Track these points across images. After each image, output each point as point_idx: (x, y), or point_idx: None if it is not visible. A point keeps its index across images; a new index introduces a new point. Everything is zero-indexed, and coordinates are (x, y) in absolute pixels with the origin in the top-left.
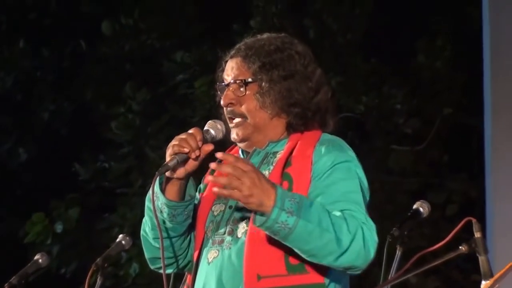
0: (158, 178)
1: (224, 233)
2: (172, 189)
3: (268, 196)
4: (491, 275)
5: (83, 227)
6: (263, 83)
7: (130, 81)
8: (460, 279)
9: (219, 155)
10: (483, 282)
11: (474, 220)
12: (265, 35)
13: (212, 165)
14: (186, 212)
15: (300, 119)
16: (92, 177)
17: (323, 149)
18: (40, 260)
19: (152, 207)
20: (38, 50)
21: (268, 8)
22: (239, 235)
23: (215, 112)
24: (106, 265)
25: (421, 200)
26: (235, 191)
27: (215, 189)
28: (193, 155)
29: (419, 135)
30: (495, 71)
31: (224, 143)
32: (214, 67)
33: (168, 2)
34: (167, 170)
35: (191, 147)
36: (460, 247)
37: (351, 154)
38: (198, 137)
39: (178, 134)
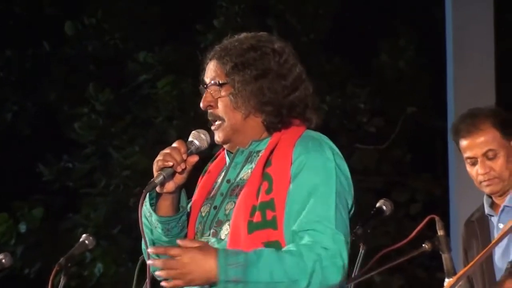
0: (148, 195)
1: (209, 235)
2: (164, 204)
3: (210, 271)
4: (454, 273)
5: (47, 227)
6: (236, 84)
7: (93, 81)
8: (424, 277)
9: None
10: (447, 280)
11: (437, 218)
12: (243, 35)
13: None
14: (180, 224)
15: (275, 117)
16: (56, 178)
17: (300, 149)
18: (3, 260)
19: (140, 225)
20: (1, 50)
21: (231, 8)
22: (223, 236)
23: (178, 113)
24: (69, 264)
25: (383, 199)
26: (178, 280)
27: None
28: (178, 169)
29: (383, 134)
30: (458, 72)
31: (213, 146)
32: (177, 67)
33: (131, 3)
34: (154, 187)
35: (175, 161)
36: (423, 245)
37: (328, 153)
38: (182, 150)
39: (141, 134)
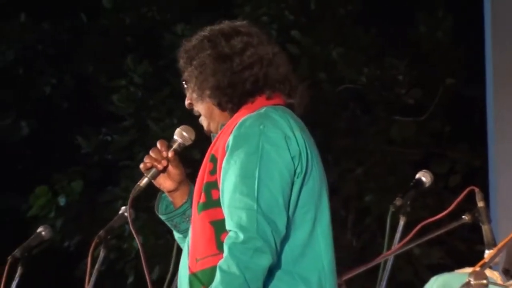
0: (159, 197)
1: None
2: (174, 202)
3: None
4: (495, 244)
5: (86, 200)
6: (189, 78)
7: (131, 54)
8: (464, 249)
9: None
10: (487, 252)
11: (477, 190)
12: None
13: None
14: (186, 218)
15: (223, 99)
16: (94, 150)
17: (236, 127)
18: (43, 233)
19: (131, 226)
20: (39, 23)
21: None
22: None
23: None
24: (108, 237)
25: (423, 170)
26: None
27: None
28: (160, 167)
29: (421, 106)
30: (496, 41)
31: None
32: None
33: None
34: (140, 191)
35: (155, 160)
36: (463, 217)
37: (256, 128)
38: (163, 148)
39: (179, 106)
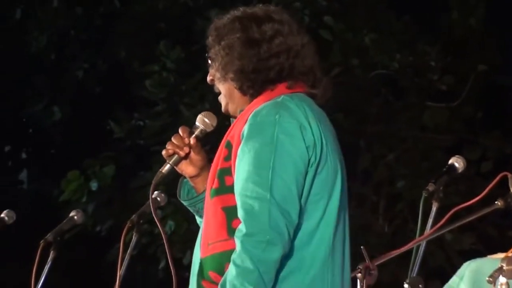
0: (180, 182)
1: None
2: (196, 188)
3: None
4: None
5: (118, 185)
6: (216, 56)
7: (163, 39)
8: (496, 235)
9: None
10: None
11: (509, 175)
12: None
13: None
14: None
15: (246, 83)
16: (126, 135)
17: (252, 115)
18: (75, 217)
19: (153, 213)
20: (72, 9)
21: None
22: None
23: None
24: (141, 221)
25: (456, 156)
26: None
27: None
28: (182, 153)
29: (454, 92)
30: None
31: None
32: None
33: None
34: (162, 178)
35: (177, 147)
36: (496, 202)
37: (271, 117)
38: (185, 135)
39: (211, 92)
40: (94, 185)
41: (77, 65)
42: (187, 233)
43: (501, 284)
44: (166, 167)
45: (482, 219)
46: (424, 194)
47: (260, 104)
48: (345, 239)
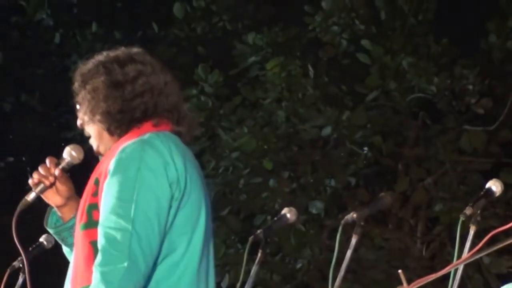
0: (48, 211)
1: None
2: (64, 216)
3: None
4: None
5: None
6: (81, 100)
7: (202, 63)
8: None
9: None
10: None
11: None
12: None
13: None
14: (73, 232)
15: (112, 124)
16: None
17: (118, 152)
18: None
19: (16, 239)
20: (110, 32)
21: None
22: None
23: (286, 94)
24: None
25: (493, 179)
26: None
27: None
28: (47, 183)
29: (491, 115)
30: None
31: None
32: (285, 49)
33: None
34: (26, 205)
35: (42, 176)
36: None
37: (136, 153)
38: (51, 165)
39: (250, 116)
40: None
41: None
42: (225, 256)
43: None
44: (32, 195)
45: None
46: (461, 218)
47: (127, 141)
48: (209, 269)
